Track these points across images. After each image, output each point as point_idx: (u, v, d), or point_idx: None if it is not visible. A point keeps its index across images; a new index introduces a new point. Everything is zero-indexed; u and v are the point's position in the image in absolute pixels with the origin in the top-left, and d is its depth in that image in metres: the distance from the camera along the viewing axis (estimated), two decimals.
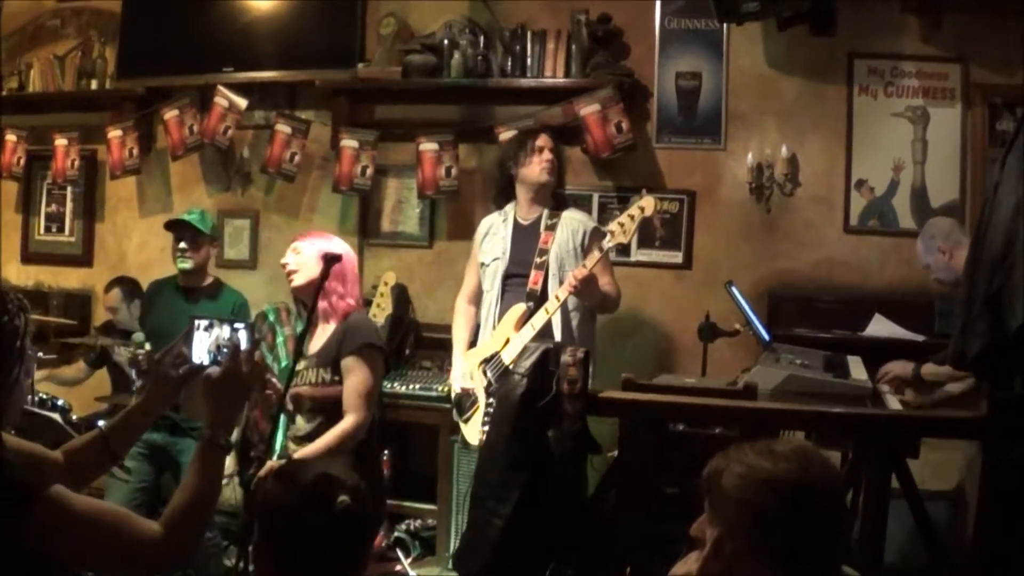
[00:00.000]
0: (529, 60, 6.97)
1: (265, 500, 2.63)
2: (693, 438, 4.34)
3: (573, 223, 5.67)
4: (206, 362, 2.83)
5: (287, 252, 4.74)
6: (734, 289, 5.61)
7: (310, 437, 4.52)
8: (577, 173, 6.86)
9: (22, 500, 2.29)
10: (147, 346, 6.03)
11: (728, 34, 6.67)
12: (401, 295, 7.09)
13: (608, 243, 5.17)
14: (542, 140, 5.74)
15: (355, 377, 4.52)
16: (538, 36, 6.97)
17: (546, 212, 5.73)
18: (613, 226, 5.20)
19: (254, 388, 2.96)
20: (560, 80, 6.89)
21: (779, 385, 4.31)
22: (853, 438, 4.30)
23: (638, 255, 6.80)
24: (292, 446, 4.60)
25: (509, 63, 7.03)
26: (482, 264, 5.89)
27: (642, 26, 6.85)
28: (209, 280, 6.22)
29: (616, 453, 4.40)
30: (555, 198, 5.83)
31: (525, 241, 5.72)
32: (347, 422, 4.46)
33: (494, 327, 5.66)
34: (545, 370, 4.24)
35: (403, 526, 6.67)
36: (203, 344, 2.85)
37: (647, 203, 5.17)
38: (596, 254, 5.20)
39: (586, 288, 5.23)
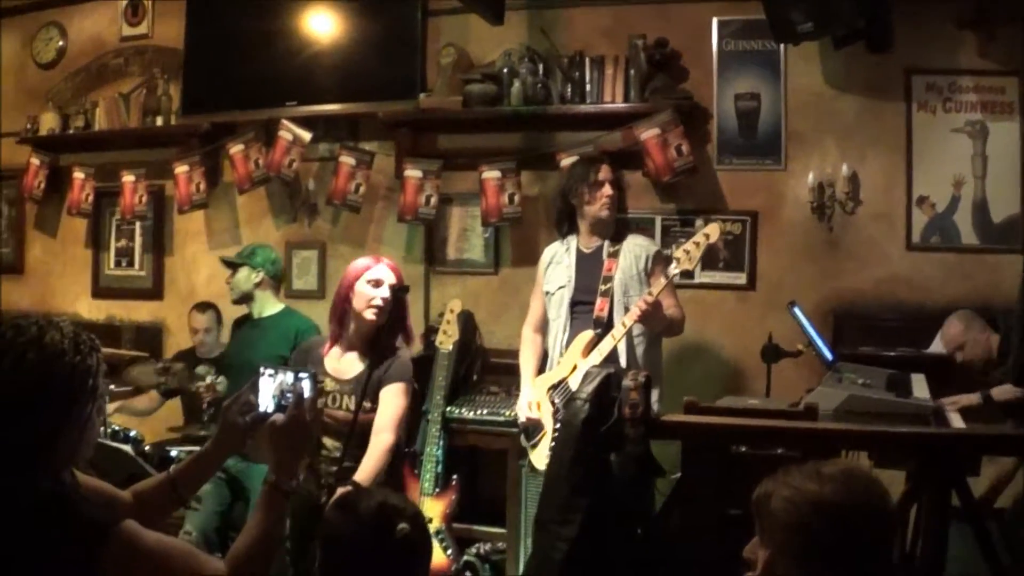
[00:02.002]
0: (588, 86, 7.14)
1: (327, 528, 2.81)
2: (755, 460, 4.40)
3: (636, 248, 5.81)
4: (271, 409, 2.97)
5: (366, 285, 4.91)
6: (797, 310, 5.74)
7: (340, 460, 4.76)
8: (639, 197, 7.04)
9: (96, 536, 2.43)
10: (208, 379, 6.29)
11: (785, 54, 6.78)
12: (468, 322, 7.32)
13: (674, 270, 5.31)
14: (603, 173, 5.85)
15: (396, 402, 4.82)
16: (596, 62, 7.14)
17: (608, 240, 5.88)
18: (679, 253, 5.34)
19: (315, 433, 3.05)
20: (619, 105, 7.04)
21: (840, 405, 4.39)
22: (913, 457, 4.35)
23: (702, 277, 6.92)
24: (323, 467, 4.84)
25: (568, 90, 7.20)
26: (547, 293, 6.05)
27: (699, 49, 6.99)
28: (278, 308, 6.44)
29: (679, 475, 4.53)
30: (616, 224, 5.97)
31: (589, 268, 5.87)
32: (385, 441, 4.74)
33: (561, 354, 5.83)
34: (607, 395, 4.33)
35: (473, 550, 6.79)
36: (268, 391, 2.99)
37: (712, 230, 5.33)
38: (662, 281, 5.35)
39: (652, 315, 5.37)
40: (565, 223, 6.08)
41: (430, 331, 7.27)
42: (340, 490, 4.42)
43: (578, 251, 5.96)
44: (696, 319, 6.53)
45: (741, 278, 6.91)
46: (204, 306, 7.54)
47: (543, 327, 6.11)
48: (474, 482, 7.01)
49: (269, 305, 6.43)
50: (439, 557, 6.31)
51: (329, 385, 4.92)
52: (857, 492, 2.44)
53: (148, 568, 2.49)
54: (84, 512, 2.47)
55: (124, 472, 6.12)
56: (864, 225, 6.67)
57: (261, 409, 2.99)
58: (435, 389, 6.64)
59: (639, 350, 5.72)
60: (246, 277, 6.39)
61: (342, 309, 4.94)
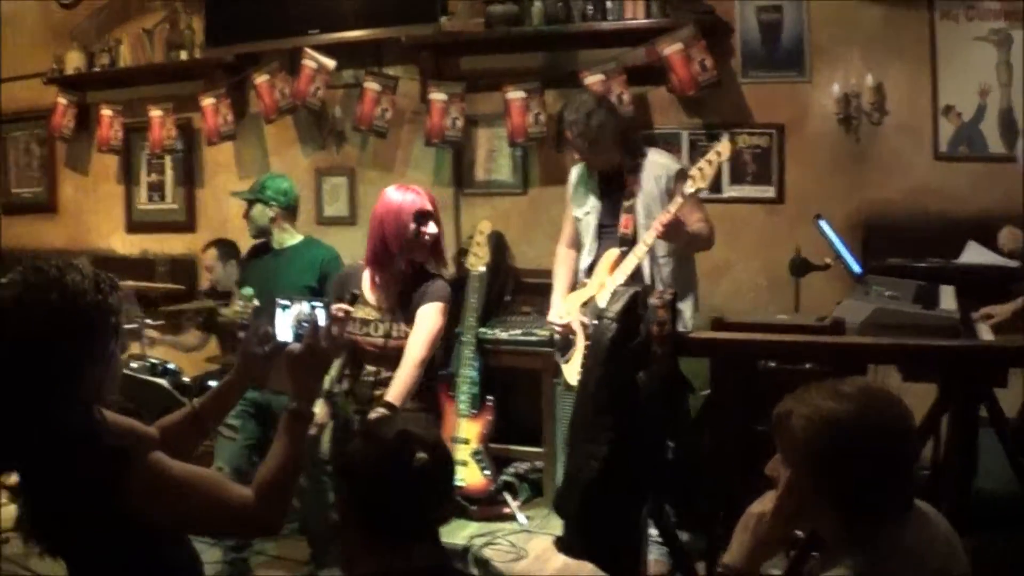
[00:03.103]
0: (609, 3, 7.08)
1: (347, 457, 2.88)
2: (783, 375, 4.48)
3: (656, 168, 5.81)
4: (289, 339, 3.04)
5: (416, 220, 4.98)
6: (823, 223, 5.73)
7: (376, 384, 4.94)
8: (664, 112, 7.08)
9: (121, 465, 2.53)
10: (255, 301, 6.35)
11: None
12: (498, 243, 7.38)
13: (689, 188, 5.28)
14: (572, 143, 5.93)
15: (431, 321, 4.94)
16: None
17: (629, 154, 5.89)
18: (693, 171, 5.33)
19: (333, 360, 3.12)
20: (641, 21, 6.99)
21: (867, 319, 4.35)
22: (941, 370, 4.33)
23: (730, 191, 6.93)
24: (362, 391, 5.00)
25: (590, 7, 7.16)
26: (575, 217, 6.11)
27: None
28: (298, 239, 6.43)
29: (709, 392, 4.58)
30: (632, 143, 6.01)
31: (613, 189, 5.92)
32: (415, 356, 4.87)
33: (589, 274, 5.91)
34: (634, 314, 4.36)
35: (511, 469, 6.93)
36: (285, 322, 3.08)
37: (724, 147, 5.29)
38: (678, 199, 5.34)
39: (672, 232, 5.38)
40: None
41: (461, 253, 7.34)
42: (372, 413, 4.55)
43: (601, 172, 5.99)
44: (725, 233, 6.54)
45: (770, 191, 6.89)
46: (208, 245, 7.67)
47: (576, 243, 6.17)
48: (510, 402, 7.06)
49: (288, 236, 6.39)
50: (477, 477, 6.43)
51: (370, 313, 5.02)
52: (875, 410, 2.47)
53: (175, 495, 2.59)
54: (110, 443, 2.55)
55: (160, 406, 6.23)
56: (891, 136, 6.62)
57: (279, 339, 3.06)
58: (468, 311, 6.72)
59: (666, 269, 5.77)
60: (260, 212, 6.34)
61: (394, 243, 4.94)
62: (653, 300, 4.36)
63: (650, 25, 6.96)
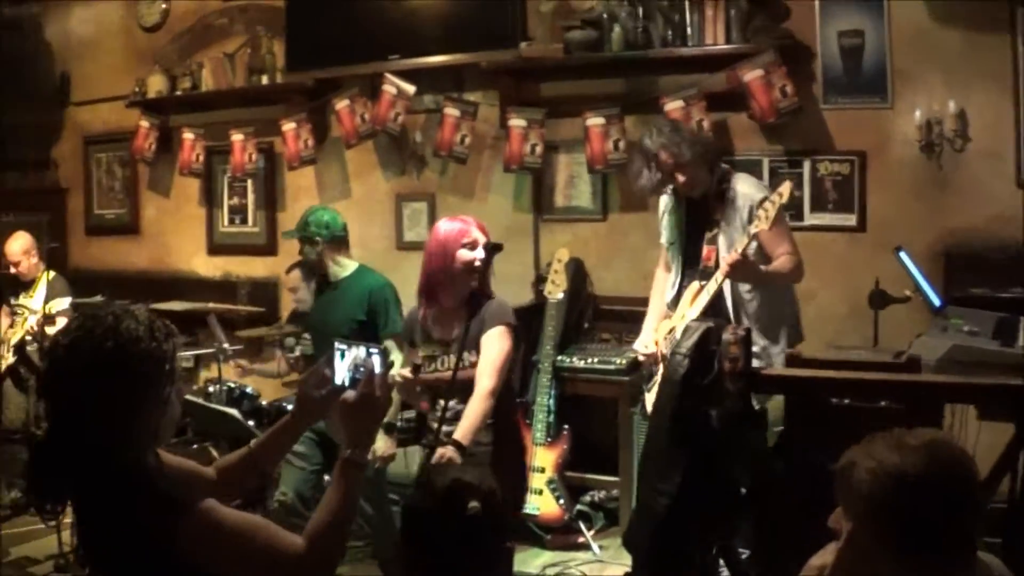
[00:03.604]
0: (689, 28, 7.15)
1: (407, 500, 2.97)
2: (859, 412, 4.41)
3: (741, 198, 5.75)
4: (346, 383, 3.05)
5: (464, 250, 5.01)
6: (903, 255, 5.76)
7: (456, 417, 4.92)
8: (745, 138, 7.11)
9: (175, 513, 2.57)
10: (298, 350, 6.48)
11: None
12: (577, 269, 7.47)
13: (753, 229, 5.25)
14: (665, 163, 5.77)
15: (497, 346, 4.96)
16: (696, 3, 7.14)
17: (715, 182, 5.83)
18: (758, 211, 5.28)
19: (387, 408, 3.14)
20: (721, 47, 7.05)
21: (944, 356, 4.37)
22: (1017, 409, 4.30)
23: (812, 219, 6.94)
24: (445, 427, 4.92)
25: (669, 33, 7.23)
26: (664, 245, 6.14)
27: None
28: (350, 270, 6.48)
29: (782, 428, 4.61)
30: (718, 169, 5.92)
31: (699, 218, 5.90)
32: (485, 387, 4.86)
33: (672, 303, 5.93)
34: (707, 349, 4.44)
35: (587, 498, 7.01)
36: (343, 366, 3.09)
37: (785, 189, 5.20)
38: (744, 239, 5.32)
39: (739, 272, 5.35)
40: (653, 193, 6.15)
41: (539, 280, 7.43)
42: (439, 451, 4.64)
43: (688, 200, 5.96)
44: (807, 261, 6.54)
45: (851, 219, 6.88)
46: (292, 267, 7.81)
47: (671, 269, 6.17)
48: (587, 430, 7.10)
49: (340, 267, 6.44)
50: (551, 506, 6.53)
51: (434, 349, 5.10)
52: (940, 465, 2.44)
53: (227, 544, 2.63)
54: (164, 489, 2.62)
55: (230, 434, 6.41)
56: (973, 163, 6.57)
57: (336, 382, 3.09)
58: (545, 339, 6.84)
59: (752, 304, 5.72)
60: (309, 249, 6.46)
61: (441, 275, 5.03)
62: (726, 336, 4.41)
63: (730, 51, 7.01)
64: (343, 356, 3.09)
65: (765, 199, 5.51)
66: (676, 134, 5.78)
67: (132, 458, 2.66)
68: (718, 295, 5.58)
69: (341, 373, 3.08)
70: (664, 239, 6.13)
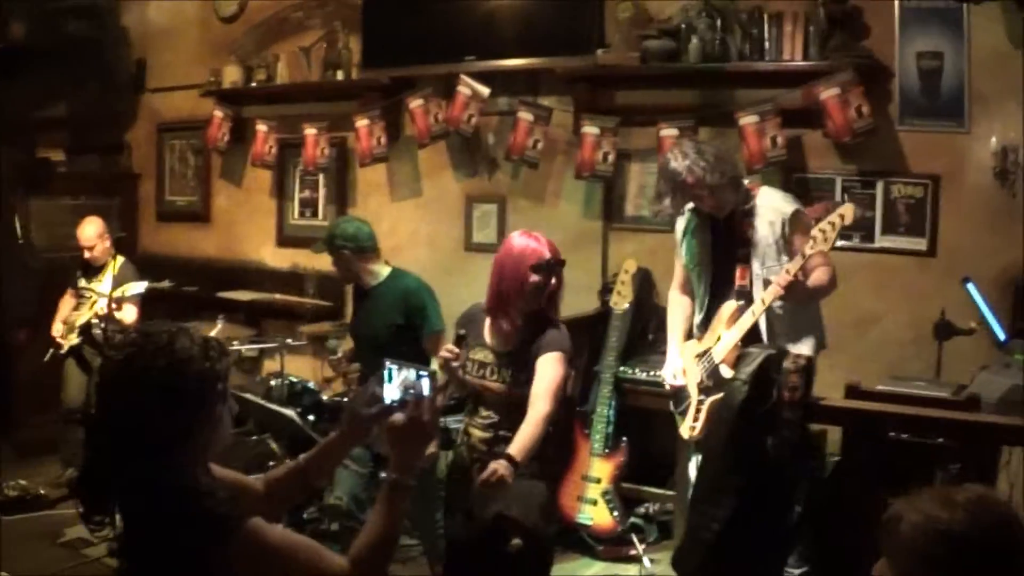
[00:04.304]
0: (767, 43, 7.27)
1: (450, 529, 3.09)
2: (915, 447, 4.52)
3: (769, 212, 5.78)
4: (395, 402, 3.11)
5: (537, 268, 5.11)
6: (970, 287, 5.83)
7: (492, 428, 5.10)
8: (820, 156, 7.21)
9: (222, 532, 2.67)
10: (339, 352, 6.71)
11: (968, 12, 6.71)
12: (644, 280, 7.62)
13: (809, 250, 5.26)
14: (691, 184, 5.76)
15: (553, 372, 5.02)
16: (775, 18, 7.25)
17: (741, 200, 5.86)
18: (815, 232, 5.26)
19: (435, 432, 3.18)
20: (799, 63, 7.15)
21: (1004, 395, 4.46)
22: None
23: (882, 241, 6.99)
24: (477, 433, 5.16)
25: (747, 46, 7.35)
26: (686, 266, 6.15)
27: (880, 5, 6.97)
28: (383, 276, 6.63)
29: (838, 458, 4.72)
30: (742, 190, 5.93)
31: (725, 237, 5.91)
32: (541, 411, 4.92)
33: (706, 323, 5.94)
34: (766, 377, 4.55)
35: (641, 510, 7.14)
36: (393, 385, 3.15)
37: (847, 211, 5.23)
38: (798, 259, 5.33)
39: (792, 293, 5.38)
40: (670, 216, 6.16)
41: (606, 289, 7.58)
42: (492, 464, 4.77)
43: (711, 220, 5.97)
44: (875, 284, 6.69)
45: (922, 244, 6.92)
46: None
47: (688, 290, 6.20)
48: (645, 442, 7.22)
49: (372, 275, 6.61)
50: (605, 517, 6.68)
51: (487, 357, 5.21)
52: (987, 523, 2.47)
53: (273, 564, 2.74)
54: (211, 507, 2.71)
55: (287, 433, 6.60)
56: None
57: (386, 401, 3.15)
58: (608, 349, 7.00)
59: (784, 318, 5.72)
60: (338, 261, 6.67)
61: (512, 292, 5.10)
62: (787, 364, 4.51)
63: (808, 67, 7.09)
64: (391, 376, 3.16)
65: (796, 211, 5.69)
66: (701, 156, 5.77)
67: (181, 476, 2.76)
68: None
69: (391, 393, 3.15)
70: (685, 260, 6.13)
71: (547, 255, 5.13)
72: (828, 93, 6.89)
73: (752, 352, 4.79)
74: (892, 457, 4.55)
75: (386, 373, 3.17)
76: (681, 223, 6.13)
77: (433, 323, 6.36)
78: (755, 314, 5.52)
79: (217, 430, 2.89)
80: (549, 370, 5.03)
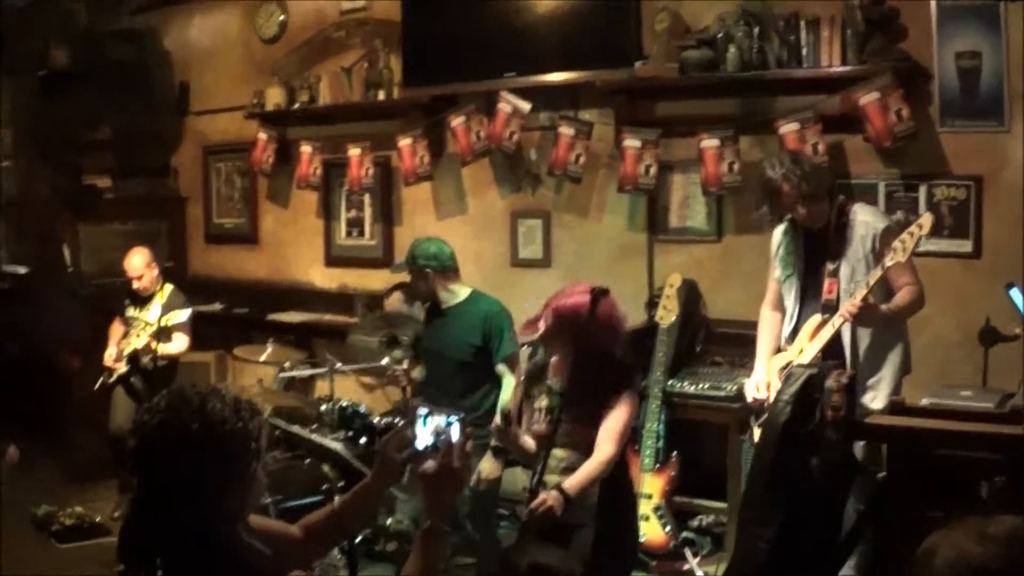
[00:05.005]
0: (804, 49, 7.39)
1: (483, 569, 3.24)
2: (961, 461, 4.61)
3: (862, 227, 5.95)
4: (428, 447, 3.17)
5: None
6: (1013, 292, 5.91)
7: (568, 469, 5.18)
8: (861, 161, 7.33)
9: None
10: (405, 363, 6.92)
11: (1006, 9, 6.78)
12: (691, 291, 7.77)
13: (888, 262, 5.48)
14: (787, 195, 5.99)
15: (620, 414, 5.16)
16: (812, 24, 7.37)
17: (834, 213, 6.04)
18: (895, 243, 5.49)
19: (467, 479, 3.33)
20: (837, 69, 7.27)
21: None
22: None
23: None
24: (554, 478, 5.20)
25: (785, 53, 7.48)
26: (779, 279, 6.34)
27: (917, 5, 7.03)
28: (462, 296, 6.98)
29: (883, 474, 4.84)
30: (836, 203, 6.12)
31: (817, 250, 6.10)
32: (606, 453, 5.07)
33: (794, 335, 6.12)
34: (809, 397, 4.69)
35: (694, 523, 7.31)
36: (425, 430, 3.19)
37: (925, 220, 5.45)
38: (875, 274, 5.53)
39: (864, 317, 5.55)
40: (771, 225, 6.37)
41: (651, 303, 7.74)
42: (543, 494, 4.94)
43: (805, 232, 6.16)
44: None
45: (967, 246, 7.01)
46: (391, 290, 8.41)
47: (779, 306, 6.37)
48: (696, 454, 7.35)
49: (451, 295, 6.95)
50: (657, 533, 6.84)
51: (554, 400, 5.33)
52: (1021, 558, 2.47)
53: None
54: (252, 564, 2.83)
55: (337, 466, 6.85)
56: None
57: (418, 446, 3.21)
58: (655, 364, 7.16)
59: (864, 342, 5.88)
60: (420, 280, 6.99)
61: (605, 342, 5.28)
62: (829, 383, 4.65)
63: (846, 73, 7.22)
64: (425, 421, 3.21)
65: (888, 228, 5.81)
66: (797, 166, 5.99)
67: (219, 533, 2.85)
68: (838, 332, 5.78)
69: (423, 438, 3.20)
70: (779, 273, 6.32)
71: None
72: (867, 98, 7.01)
73: (795, 372, 4.94)
74: (937, 471, 4.64)
75: (419, 418, 3.24)
76: (776, 236, 6.35)
77: (508, 346, 6.65)
78: (835, 325, 5.69)
79: (252, 488, 2.99)
80: (618, 411, 5.17)
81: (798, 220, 6.09)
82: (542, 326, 5.34)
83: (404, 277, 7.41)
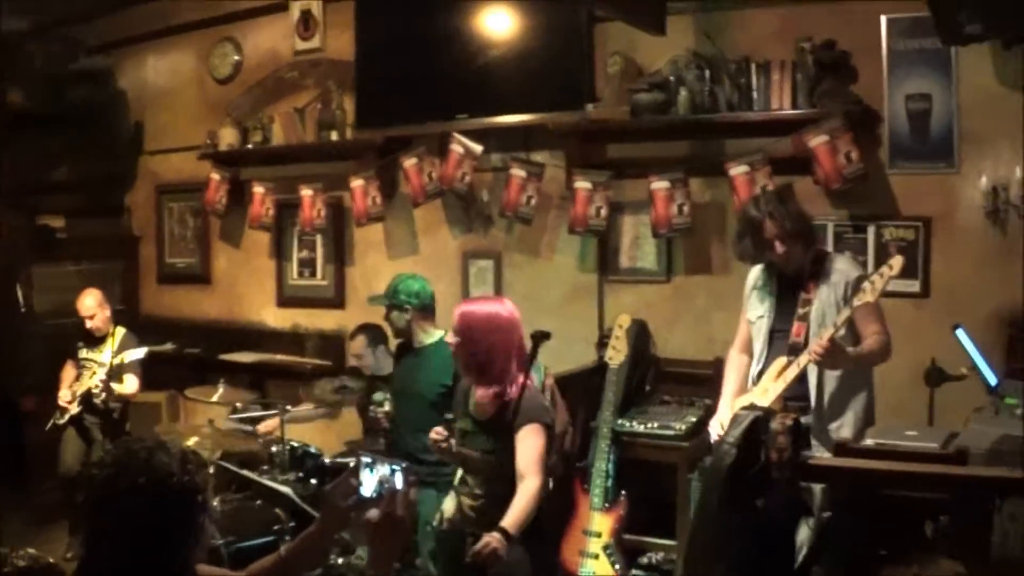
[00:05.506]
0: (755, 93, 7.30)
1: None
2: (903, 501, 4.46)
3: (836, 275, 5.79)
4: (372, 495, 3.17)
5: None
6: (959, 332, 5.82)
7: (481, 497, 5.18)
8: (811, 203, 7.10)
9: None
10: (386, 406, 6.78)
11: (956, 53, 6.72)
12: (641, 331, 7.61)
13: (857, 302, 5.30)
14: (768, 233, 5.81)
15: (533, 444, 5.09)
16: (763, 67, 7.28)
17: (809, 259, 5.90)
18: (865, 284, 5.30)
19: (410, 527, 3.25)
20: (788, 112, 7.18)
21: (993, 445, 4.39)
22: None
23: None
24: (468, 501, 5.22)
25: (736, 96, 7.37)
26: (750, 320, 6.15)
27: (868, 49, 6.99)
28: (436, 337, 6.80)
29: (828, 514, 4.71)
30: (813, 250, 5.97)
31: (790, 294, 5.93)
32: (532, 486, 4.99)
33: (760, 376, 5.90)
34: (755, 439, 4.53)
35: (644, 560, 7.13)
36: (371, 478, 3.20)
37: (896, 262, 5.23)
38: (846, 312, 5.38)
39: (830, 359, 5.35)
40: (750, 259, 6.17)
41: (603, 342, 7.57)
42: (486, 536, 4.80)
43: (780, 275, 6.01)
44: None
45: (915, 285, 6.94)
46: (355, 332, 8.10)
47: (748, 349, 6.21)
48: (646, 492, 7.14)
49: (427, 334, 6.81)
50: (607, 571, 6.65)
51: (468, 425, 5.34)
52: None
53: None
54: None
55: (287, 508, 6.65)
56: None
57: (363, 494, 3.21)
58: (605, 404, 6.95)
59: (830, 385, 5.73)
60: (397, 315, 6.83)
61: (504, 355, 5.24)
62: (774, 425, 4.51)
63: (796, 116, 7.12)
64: (372, 469, 3.20)
65: (861, 276, 5.62)
66: (782, 206, 5.86)
67: None
68: (803, 372, 5.62)
69: (369, 486, 3.20)
70: (749, 314, 6.15)
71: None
72: (817, 141, 6.92)
73: (741, 415, 4.80)
74: (882, 511, 4.50)
75: (364, 467, 3.23)
76: (750, 278, 6.19)
77: None
78: (800, 364, 5.52)
79: (200, 539, 3.00)
80: (529, 443, 5.10)
81: (774, 259, 5.90)
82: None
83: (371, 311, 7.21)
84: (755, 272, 6.17)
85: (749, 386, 6.02)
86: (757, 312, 6.06)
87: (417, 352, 6.76)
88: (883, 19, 7.00)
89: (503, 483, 5.07)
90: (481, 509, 5.16)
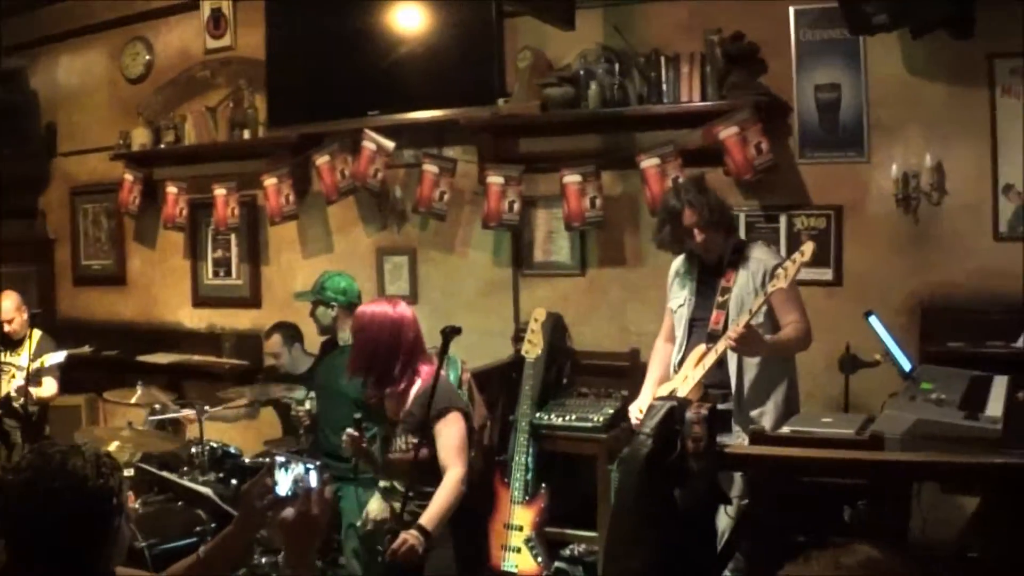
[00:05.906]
0: (665, 85, 7.18)
1: None
2: (822, 487, 4.42)
3: (754, 263, 5.73)
4: (287, 495, 3.11)
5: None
6: (872, 319, 5.76)
7: (413, 499, 4.99)
8: (722, 193, 6.84)
9: None
10: (307, 405, 6.57)
11: (865, 43, 6.67)
12: (556, 324, 7.47)
13: (770, 288, 5.25)
14: (687, 221, 5.72)
15: (452, 432, 5.02)
16: (672, 60, 7.16)
17: (729, 248, 5.82)
18: (779, 271, 5.26)
19: (324, 525, 3.13)
20: (697, 104, 7.07)
21: (908, 431, 4.29)
22: (981, 486, 4.33)
23: None
24: (400, 506, 5.02)
25: (646, 90, 7.26)
26: (671, 309, 6.07)
27: (777, 40, 6.91)
28: None
29: (747, 502, 4.61)
30: (733, 239, 5.92)
31: (710, 283, 5.86)
32: (455, 475, 4.92)
33: (681, 364, 5.83)
34: (671, 429, 4.41)
35: (566, 552, 6.95)
36: (286, 478, 3.14)
37: (807, 248, 5.19)
38: (760, 298, 5.32)
39: (746, 345, 5.29)
40: (670, 248, 6.05)
41: (518, 337, 7.45)
42: (403, 534, 4.67)
43: (700, 264, 5.93)
44: None
45: (827, 274, 6.87)
46: (271, 331, 7.98)
47: (672, 337, 6.10)
48: (566, 485, 7.07)
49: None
50: (529, 564, 6.56)
51: (386, 429, 5.23)
52: None
53: None
54: None
55: (208, 509, 6.45)
56: (951, 216, 6.55)
57: (278, 493, 3.14)
58: (522, 397, 6.86)
59: (750, 373, 5.66)
60: (323, 312, 6.69)
61: (400, 351, 5.15)
62: (689, 414, 4.40)
63: (706, 108, 7.01)
64: (287, 469, 3.13)
65: (779, 264, 5.49)
66: (701, 195, 5.76)
67: None
68: (723, 359, 5.56)
69: (284, 485, 3.13)
70: (671, 304, 6.07)
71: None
72: (727, 132, 6.82)
73: (656, 405, 4.66)
74: (799, 498, 4.43)
75: (278, 467, 3.17)
76: (672, 269, 6.11)
77: None
78: (717, 351, 5.46)
79: (116, 541, 2.98)
80: (449, 432, 5.03)
81: (694, 248, 5.82)
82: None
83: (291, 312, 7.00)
84: (677, 262, 6.09)
85: (671, 374, 5.93)
86: (678, 301, 6.00)
87: (342, 351, 6.53)
88: (791, 10, 6.94)
89: (429, 479, 4.96)
90: (417, 511, 4.97)
